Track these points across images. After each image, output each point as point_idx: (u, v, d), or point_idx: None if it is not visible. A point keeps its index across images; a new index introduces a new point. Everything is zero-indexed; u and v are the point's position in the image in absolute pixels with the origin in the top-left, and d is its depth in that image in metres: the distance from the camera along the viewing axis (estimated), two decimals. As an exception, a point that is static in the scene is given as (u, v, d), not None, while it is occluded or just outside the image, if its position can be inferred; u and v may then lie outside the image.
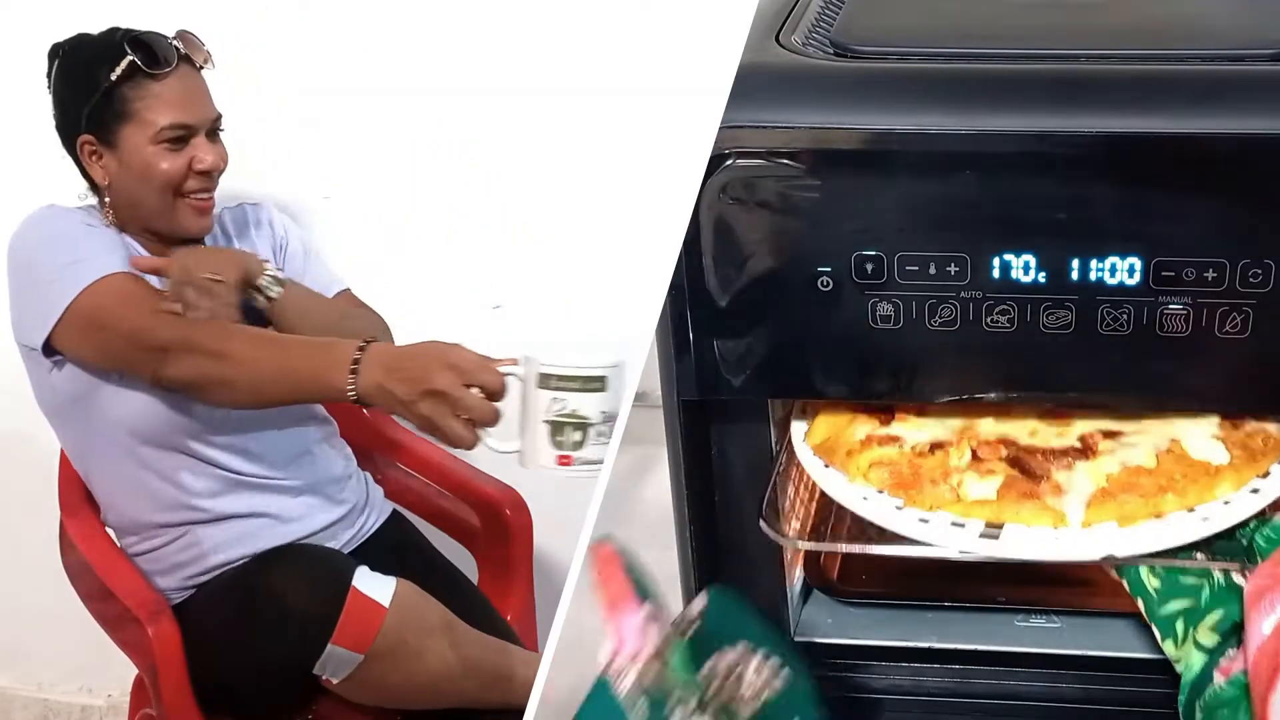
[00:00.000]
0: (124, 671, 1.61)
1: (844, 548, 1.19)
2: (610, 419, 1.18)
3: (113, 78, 1.46)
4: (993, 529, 1.01)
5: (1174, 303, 0.95)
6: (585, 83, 1.78)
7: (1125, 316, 0.96)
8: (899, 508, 1.03)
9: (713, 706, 0.91)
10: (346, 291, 1.66)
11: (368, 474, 1.71)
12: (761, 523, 1.09)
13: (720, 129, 0.97)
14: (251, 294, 1.48)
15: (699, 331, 1.04)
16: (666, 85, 1.71)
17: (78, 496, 1.60)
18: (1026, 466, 1.03)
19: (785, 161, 0.98)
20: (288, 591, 1.38)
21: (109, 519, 1.58)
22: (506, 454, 1.21)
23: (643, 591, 0.91)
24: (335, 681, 1.39)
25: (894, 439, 1.07)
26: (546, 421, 1.19)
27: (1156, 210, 0.94)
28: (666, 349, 1.06)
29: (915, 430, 1.08)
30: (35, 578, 1.70)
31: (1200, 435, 1.03)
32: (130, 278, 1.44)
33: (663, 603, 0.92)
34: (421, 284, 1.88)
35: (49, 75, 1.52)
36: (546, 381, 1.19)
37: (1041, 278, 0.96)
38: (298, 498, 1.56)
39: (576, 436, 1.19)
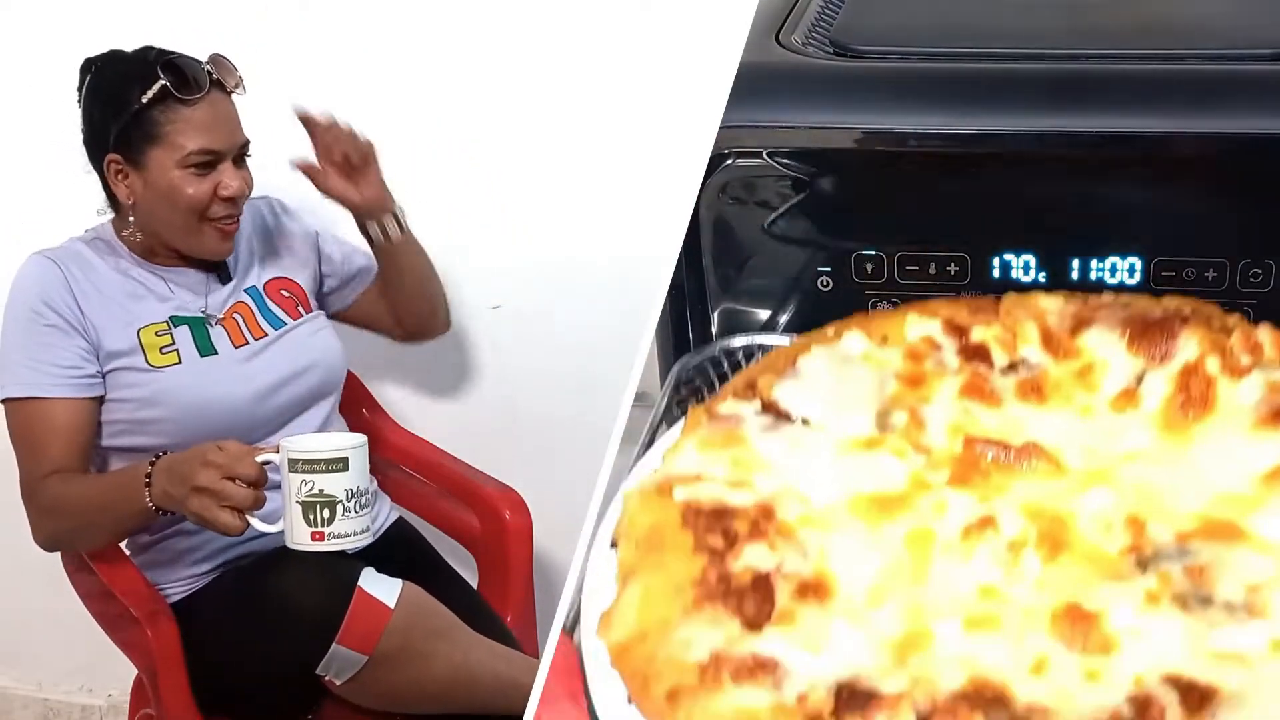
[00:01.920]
0: (124, 671, 1.61)
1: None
2: (357, 495, 1.32)
3: (144, 100, 1.46)
4: None
5: (1174, 303, 0.95)
6: (585, 82, 1.78)
7: (1125, 317, 0.96)
8: None
9: None
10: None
11: (374, 478, 1.70)
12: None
13: (720, 129, 0.97)
14: (373, 229, 1.61)
15: (699, 331, 1.04)
16: (666, 85, 1.71)
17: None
18: None
19: (785, 161, 0.98)
20: (293, 590, 1.38)
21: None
22: (275, 534, 1.34)
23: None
24: (339, 683, 1.38)
25: (766, 668, 0.56)
26: (299, 502, 1.32)
27: (1156, 210, 0.94)
28: (666, 349, 1.06)
29: (809, 654, 0.56)
30: (35, 578, 1.70)
31: None
32: (48, 411, 1.46)
33: None
34: (421, 284, 1.87)
35: (79, 90, 1.52)
36: (295, 466, 1.31)
37: (1041, 278, 0.96)
38: None
39: (326, 514, 1.32)
